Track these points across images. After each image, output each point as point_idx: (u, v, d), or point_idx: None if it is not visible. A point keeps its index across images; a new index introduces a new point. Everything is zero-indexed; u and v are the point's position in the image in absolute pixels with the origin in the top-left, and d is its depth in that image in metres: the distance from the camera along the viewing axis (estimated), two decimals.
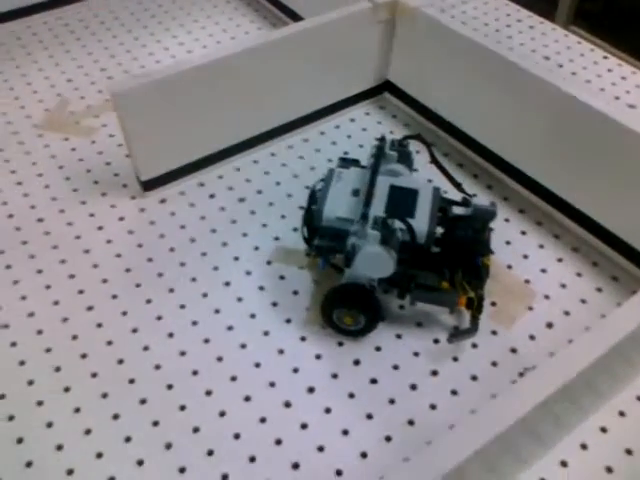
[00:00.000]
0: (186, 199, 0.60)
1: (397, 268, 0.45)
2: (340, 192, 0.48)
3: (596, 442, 0.44)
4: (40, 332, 0.50)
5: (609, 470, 0.42)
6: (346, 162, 0.52)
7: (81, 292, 0.52)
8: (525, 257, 0.55)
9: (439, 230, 0.48)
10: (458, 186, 0.52)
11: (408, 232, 0.44)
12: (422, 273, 0.47)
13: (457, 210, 0.49)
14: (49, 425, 0.44)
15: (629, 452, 0.43)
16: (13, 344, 0.49)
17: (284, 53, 0.60)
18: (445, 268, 0.47)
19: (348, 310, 0.47)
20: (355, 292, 0.47)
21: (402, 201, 0.47)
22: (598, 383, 0.44)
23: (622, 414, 0.45)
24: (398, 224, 0.45)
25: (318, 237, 0.47)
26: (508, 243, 0.56)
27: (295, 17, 0.80)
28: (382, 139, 0.51)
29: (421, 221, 0.46)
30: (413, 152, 0.53)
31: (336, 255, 0.49)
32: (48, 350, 0.48)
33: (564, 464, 0.43)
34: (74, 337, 0.49)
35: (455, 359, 0.48)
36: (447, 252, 0.48)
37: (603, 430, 0.44)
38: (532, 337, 0.49)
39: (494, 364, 0.48)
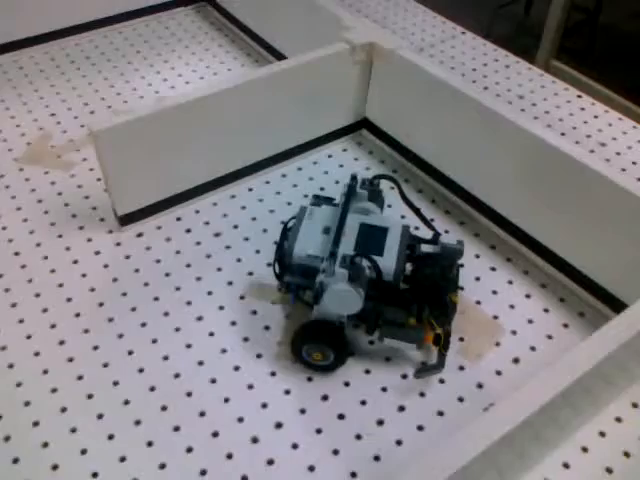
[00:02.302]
0: (163, 233, 0.61)
1: (366, 304, 0.46)
2: (311, 230, 0.49)
3: (559, 478, 0.44)
4: (11, 366, 0.50)
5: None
6: (319, 199, 0.53)
7: (53, 326, 0.53)
8: (494, 293, 0.56)
9: (408, 267, 0.49)
10: (428, 223, 0.54)
11: (374, 270, 0.45)
12: (390, 309, 0.48)
13: (425, 248, 0.50)
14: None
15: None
16: None
17: (264, 91, 0.61)
18: (413, 305, 0.48)
19: (317, 346, 0.48)
20: (324, 328, 0.48)
21: (371, 239, 0.48)
22: (561, 417, 0.45)
23: (585, 450, 0.46)
24: (366, 262, 0.46)
25: (288, 273, 0.48)
26: (477, 279, 0.57)
27: (276, 54, 0.82)
28: (354, 178, 0.52)
29: (389, 259, 0.47)
30: (385, 190, 0.54)
31: (306, 292, 0.49)
32: (18, 384, 0.49)
33: (602, 434, 0.44)
34: (45, 371, 0.50)
35: (422, 394, 0.49)
36: (415, 289, 0.48)
37: (566, 466, 0.45)
38: (498, 372, 0.50)
39: (460, 399, 0.48)
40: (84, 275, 0.57)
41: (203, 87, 0.59)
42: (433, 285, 0.48)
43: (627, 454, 0.45)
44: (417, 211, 0.54)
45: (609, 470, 0.45)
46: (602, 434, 0.46)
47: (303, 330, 0.48)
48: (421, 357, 0.51)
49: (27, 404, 0.47)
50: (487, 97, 0.58)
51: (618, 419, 0.47)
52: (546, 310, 0.55)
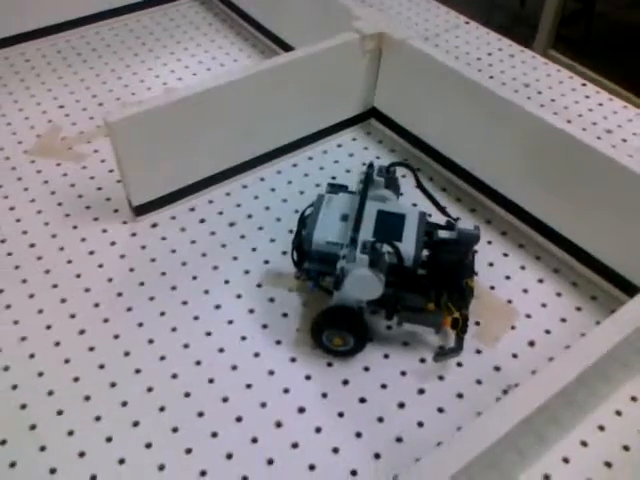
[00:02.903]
0: (177, 224, 0.61)
1: (385, 290, 0.46)
2: (329, 217, 0.50)
3: (578, 456, 0.45)
4: (32, 356, 0.50)
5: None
6: (335, 188, 0.53)
7: (73, 316, 0.53)
8: (507, 278, 0.57)
9: (425, 253, 0.49)
10: (442, 210, 0.54)
11: (395, 255, 0.46)
12: (409, 295, 0.48)
13: (442, 234, 0.50)
14: (42, 449, 0.45)
15: (607, 464, 0.45)
16: (6, 368, 0.49)
17: (275, 82, 0.62)
18: (431, 290, 0.49)
19: (338, 331, 0.48)
20: (344, 314, 0.48)
21: (390, 226, 0.49)
22: (578, 398, 0.46)
23: (602, 428, 0.47)
24: (386, 248, 0.46)
25: (308, 260, 0.49)
26: (491, 265, 0.58)
27: (283, 45, 0.82)
28: (370, 166, 0.53)
29: (408, 245, 0.48)
30: (399, 178, 0.55)
31: (325, 278, 0.50)
32: (40, 374, 0.49)
33: (547, 478, 0.44)
34: (66, 361, 0.50)
35: (441, 378, 0.49)
36: (433, 274, 0.49)
37: (584, 444, 0.46)
38: (515, 355, 0.51)
39: (479, 382, 0.49)
40: (101, 265, 0.57)
41: (214, 78, 0.59)
42: (451, 270, 0.49)
43: None
44: (432, 198, 0.54)
45: (626, 448, 0.45)
46: (618, 413, 0.47)
47: (323, 316, 0.49)
48: (438, 341, 0.52)
49: (50, 393, 0.48)
50: (497, 85, 0.59)
51: (634, 398, 0.48)
52: (559, 294, 0.56)
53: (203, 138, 0.60)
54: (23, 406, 0.47)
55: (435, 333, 0.49)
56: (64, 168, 0.67)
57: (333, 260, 0.47)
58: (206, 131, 0.60)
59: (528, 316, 0.54)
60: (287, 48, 0.81)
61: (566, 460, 0.45)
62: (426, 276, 0.49)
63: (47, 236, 0.60)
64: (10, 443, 0.45)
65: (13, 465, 0.44)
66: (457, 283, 0.49)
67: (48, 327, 0.52)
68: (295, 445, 0.45)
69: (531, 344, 0.52)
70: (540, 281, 0.57)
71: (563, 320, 0.54)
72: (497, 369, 0.50)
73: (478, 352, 0.51)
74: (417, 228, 0.49)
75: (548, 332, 0.53)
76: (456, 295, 0.49)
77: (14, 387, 0.48)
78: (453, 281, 0.49)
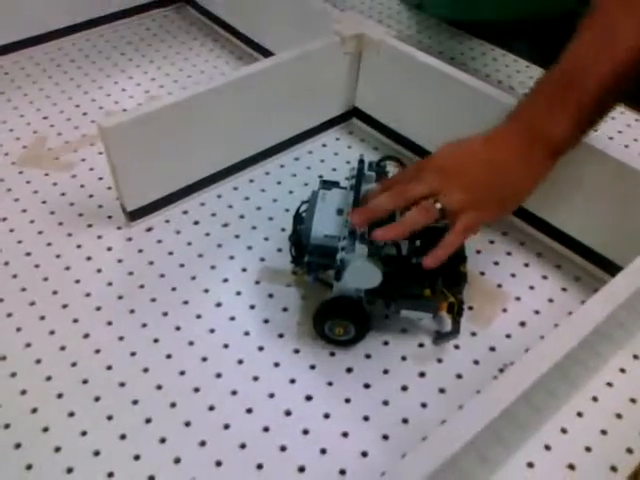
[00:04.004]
0: (172, 227, 0.62)
1: (383, 279, 0.48)
2: (325, 212, 0.52)
3: (575, 425, 0.48)
4: (39, 361, 0.51)
5: (588, 449, 0.46)
6: (327, 184, 0.55)
7: (76, 321, 0.54)
8: (496, 264, 0.59)
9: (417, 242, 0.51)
10: None
11: (393, 245, 0.48)
12: (405, 283, 0.50)
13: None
14: (57, 450, 0.45)
15: (619, 416, 0.48)
16: (13, 374, 0.50)
17: (260, 86, 0.63)
18: (426, 277, 0.51)
19: (339, 321, 0.50)
20: (345, 304, 0.50)
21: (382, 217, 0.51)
22: (571, 373, 0.48)
23: (595, 399, 0.49)
24: None
25: (308, 254, 0.51)
26: (479, 252, 0.60)
27: (261, 50, 0.84)
28: (361, 161, 0.55)
29: None
30: (389, 171, 0.57)
31: (323, 271, 0.52)
32: (49, 378, 0.50)
33: (547, 447, 0.46)
34: (73, 364, 0.51)
35: (440, 360, 0.52)
36: None
37: (579, 414, 0.48)
38: (508, 336, 0.53)
39: (476, 362, 0.51)
40: (99, 270, 0.58)
41: (200, 83, 0.61)
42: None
43: (633, 400, 0.49)
44: None
45: (619, 416, 0.48)
46: (609, 384, 0.50)
47: (324, 307, 0.50)
48: (435, 327, 0.54)
49: (60, 396, 0.48)
50: (477, 80, 0.62)
51: (622, 370, 0.51)
52: (544, 277, 0.59)
53: (193, 142, 0.62)
54: (34, 410, 0.47)
55: (432, 318, 0.51)
56: (53, 177, 0.67)
57: (332, 253, 0.49)
58: (196, 135, 0.62)
59: (517, 298, 0.56)
60: (265, 53, 0.82)
61: (564, 430, 0.47)
62: (420, 264, 0.51)
63: (42, 245, 0.60)
64: (24, 446, 0.45)
65: (29, 467, 0.44)
66: (451, 269, 0.51)
67: (52, 332, 0.53)
68: (306, 432, 0.47)
69: (522, 324, 0.54)
70: (526, 265, 0.59)
71: (550, 301, 0.56)
72: (492, 349, 0.52)
73: (473, 334, 0.53)
74: None
75: (537, 312, 0.55)
76: (450, 281, 0.51)
77: (23, 392, 0.49)
78: (447, 267, 0.51)
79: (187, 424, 0.47)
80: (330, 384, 0.50)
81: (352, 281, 0.48)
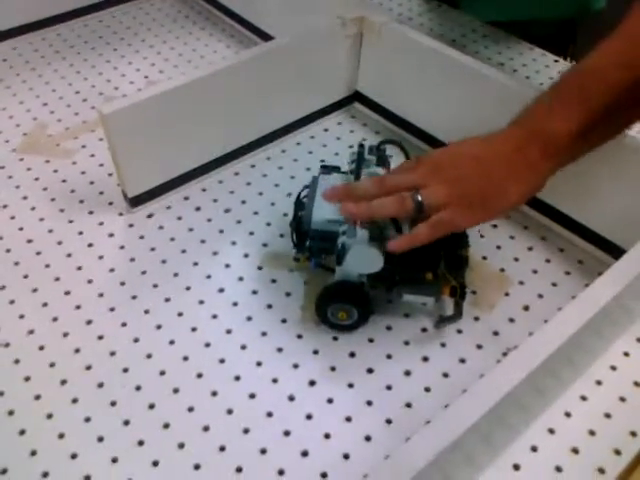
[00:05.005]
0: (173, 213, 0.62)
1: (384, 264, 0.48)
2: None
3: (579, 409, 0.48)
4: (42, 348, 0.51)
5: (592, 433, 0.46)
6: (328, 169, 0.55)
7: (78, 307, 0.54)
8: (498, 248, 0.59)
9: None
10: None
11: (394, 228, 0.48)
12: (408, 267, 0.50)
13: None
14: (61, 436, 0.45)
15: (607, 415, 0.47)
16: (16, 361, 0.50)
17: (261, 70, 0.63)
18: (427, 260, 0.50)
19: (342, 305, 0.50)
20: (347, 288, 0.50)
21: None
22: (575, 356, 0.48)
23: (599, 383, 0.49)
24: (383, 222, 0.48)
25: (309, 239, 0.50)
26: (482, 236, 0.60)
27: (261, 34, 0.83)
28: (361, 145, 0.54)
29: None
30: (389, 155, 0.56)
31: (325, 256, 0.51)
32: (52, 365, 0.50)
33: (551, 431, 0.46)
34: (77, 350, 0.51)
35: (443, 345, 0.52)
36: (428, 245, 0.51)
37: (583, 398, 0.48)
38: (511, 320, 0.53)
39: (479, 347, 0.51)
40: (101, 257, 0.58)
41: (200, 68, 0.60)
42: (446, 241, 0.50)
43: (637, 384, 0.49)
44: None
45: (622, 399, 0.48)
46: (613, 368, 0.50)
47: (327, 292, 0.50)
48: (437, 311, 0.54)
49: (63, 382, 0.49)
50: (480, 63, 0.61)
51: (626, 353, 0.51)
52: (548, 260, 0.58)
53: (194, 128, 0.61)
54: (38, 396, 0.48)
55: (435, 302, 0.51)
56: (54, 164, 0.67)
57: (333, 237, 0.49)
58: (197, 121, 0.61)
59: (521, 282, 0.56)
60: (265, 37, 0.82)
61: (568, 414, 0.47)
62: (422, 248, 0.51)
63: (44, 231, 0.60)
64: (29, 432, 0.45)
65: (34, 453, 0.44)
66: (453, 253, 0.51)
67: (55, 319, 0.53)
68: (309, 416, 0.47)
69: (526, 308, 0.54)
70: (530, 249, 0.59)
71: (554, 284, 0.56)
72: (495, 334, 0.52)
73: (476, 319, 0.53)
74: None
75: (541, 296, 0.55)
76: (452, 264, 0.51)
77: (27, 379, 0.49)
78: (449, 251, 0.51)
79: (190, 409, 0.47)
80: (333, 369, 0.50)
81: (353, 265, 0.48)
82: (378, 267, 0.48)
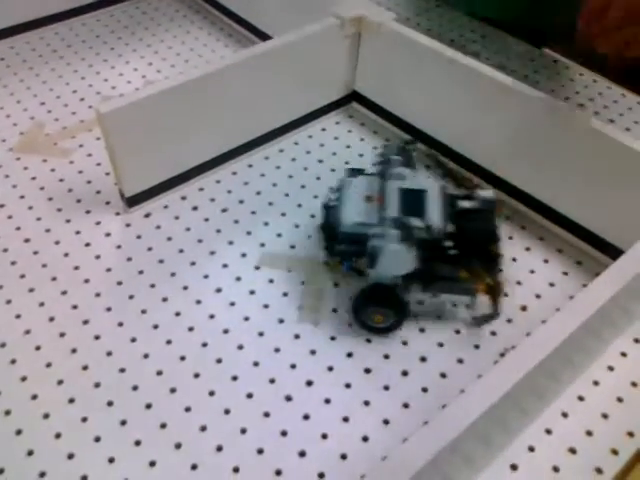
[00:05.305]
0: (170, 212, 0.62)
1: (418, 264, 0.48)
2: (354, 199, 0.51)
3: (576, 410, 0.48)
4: (38, 348, 0.51)
5: (589, 434, 0.46)
6: (354, 172, 0.55)
7: (75, 307, 0.53)
8: None
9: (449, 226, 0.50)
10: (459, 182, 0.56)
11: (426, 228, 0.47)
12: (442, 266, 0.50)
13: (464, 203, 0.51)
14: (57, 436, 0.45)
15: (605, 415, 0.47)
16: (13, 361, 0.50)
17: (259, 69, 0.63)
18: (461, 259, 0.50)
19: (379, 308, 0.50)
20: (384, 290, 0.50)
21: (413, 201, 0.50)
22: (573, 357, 0.48)
23: (596, 383, 0.49)
24: (414, 222, 0.48)
25: (339, 243, 0.50)
26: None
27: (259, 34, 0.83)
28: (386, 146, 0.55)
29: (434, 217, 0.49)
30: (414, 155, 0.56)
31: (356, 259, 0.51)
32: (48, 365, 0.49)
33: (548, 432, 0.46)
34: (73, 350, 0.50)
35: (441, 345, 0.51)
36: (462, 244, 0.50)
37: (580, 399, 0.48)
38: (509, 320, 0.53)
39: (476, 347, 0.51)
40: (98, 257, 0.57)
41: (198, 67, 0.60)
42: (478, 238, 0.50)
43: (634, 384, 0.49)
44: (448, 171, 0.56)
45: (620, 399, 0.48)
46: (611, 368, 0.50)
47: (364, 294, 0.50)
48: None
49: (60, 383, 0.48)
50: (479, 64, 0.61)
51: (624, 354, 0.51)
52: (546, 261, 0.58)
53: (192, 127, 0.61)
54: (34, 396, 0.47)
55: (470, 300, 0.50)
56: (51, 164, 0.67)
57: (363, 240, 0.48)
58: (194, 120, 0.61)
59: (518, 283, 0.56)
60: (263, 36, 0.82)
61: (565, 415, 0.47)
62: (454, 246, 0.50)
63: (41, 231, 0.60)
64: (25, 432, 0.45)
65: (31, 453, 0.44)
66: (486, 250, 0.50)
67: (51, 319, 0.52)
68: (306, 417, 0.47)
69: (523, 309, 0.54)
70: (527, 249, 0.59)
71: (552, 285, 0.56)
72: (493, 334, 0.52)
73: (473, 319, 0.53)
74: (439, 201, 0.50)
75: (538, 296, 0.55)
76: (486, 261, 0.50)
77: (23, 379, 0.48)
78: (483, 248, 0.50)
79: (187, 409, 0.47)
80: (330, 369, 0.50)
81: (386, 267, 0.48)
82: (410, 268, 0.48)
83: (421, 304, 0.53)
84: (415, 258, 0.47)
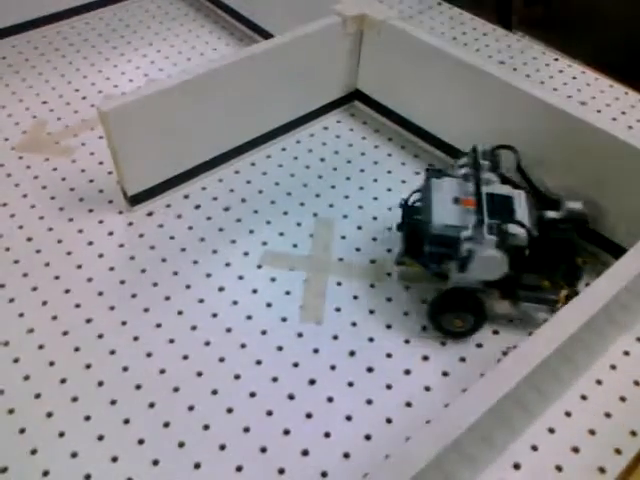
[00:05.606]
0: (173, 211, 0.62)
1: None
2: (442, 201, 0.50)
3: (579, 409, 0.48)
4: (41, 347, 0.51)
5: (592, 433, 0.46)
6: (438, 173, 0.54)
7: (78, 306, 0.54)
8: None
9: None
10: (542, 193, 0.55)
11: (527, 235, 0.47)
12: (526, 274, 0.49)
13: (550, 213, 0.51)
14: (61, 435, 0.45)
15: (607, 415, 0.47)
16: (16, 360, 0.50)
17: (260, 68, 0.63)
18: (545, 268, 0.50)
19: (459, 313, 0.50)
20: (467, 296, 0.50)
21: (501, 207, 0.49)
22: (576, 355, 0.48)
23: (599, 382, 0.49)
24: (512, 229, 0.47)
25: (429, 245, 0.49)
26: None
27: (260, 32, 0.83)
28: (474, 149, 0.54)
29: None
30: (501, 161, 0.55)
31: (441, 262, 0.50)
32: (51, 364, 0.50)
33: (551, 431, 0.46)
34: (76, 349, 0.51)
35: (443, 343, 0.52)
36: (546, 253, 0.50)
37: (583, 398, 0.48)
38: (511, 320, 0.53)
39: (479, 345, 0.51)
40: (101, 255, 0.58)
41: (201, 65, 0.60)
42: (564, 249, 0.50)
43: (637, 383, 0.49)
44: (529, 181, 0.55)
45: (622, 398, 0.48)
46: (613, 367, 0.50)
47: (443, 299, 0.50)
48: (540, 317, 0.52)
49: (63, 381, 0.48)
50: (480, 60, 0.61)
51: (626, 353, 0.51)
52: None
53: (194, 126, 0.61)
54: (37, 395, 0.47)
55: (551, 310, 0.50)
56: (53, 162, 0.67)
57: (452, 243, 0.48)
58: (197, 119, 0.61)
59: None
60: (265, 35, 0.81)
61: (568, 414, 0.47)
62: (539, 255, 0.49)
63: (44, 230, 0.60)
64: (29, 431, 0.45)
65: (34, 452, 0.44)
66: (571, 260, 0.50)
67: (54, 318, 0.52)
68: (309, 415, 0.47)
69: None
70: None
71: None
72: (495, 332, 0.52)
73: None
74: (528, 208, 0.50)
75: None
76: (569, 272, 0.50)
77: (26, 378, 0.49)
78: (567, 258, 0.50)
79: (190, 408, 0.47)
80: (333, 368, 0.50)
81: (478, 272, 0.47)
82: (501, 274, 0.47)
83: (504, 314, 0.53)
84: (507, 265, 0.47)
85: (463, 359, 0.51)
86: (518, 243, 0.48)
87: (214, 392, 0.48)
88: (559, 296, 0.49)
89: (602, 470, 0.44)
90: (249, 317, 0.53)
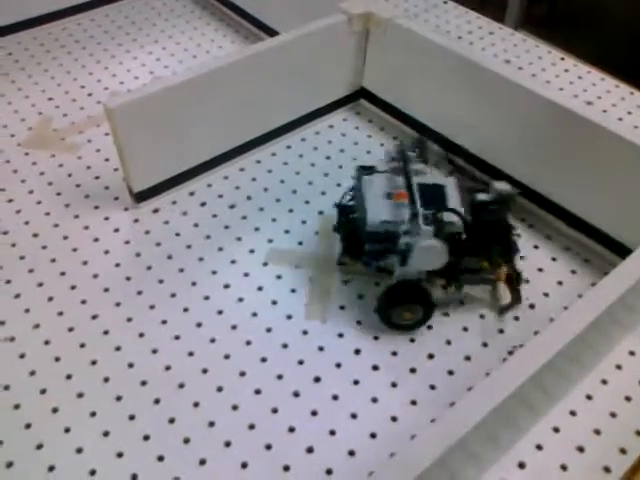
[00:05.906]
0: (178, 208, 0.62)
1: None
2: (375, 198, 0.51)
3: (584, 409, 0.48)
4: (47, 342, 0.51)
5: (597, 432, 0.46)
6: (368, 170, 0.54)
7: (84, 302, 0.54)
8: None
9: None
10: (473, 177, 0.57)
11: (461, 221, 0.48)
12: (464, 259, 0.50)
13: (480, 196, 0.52)
14: (67, 430, 0.45)
15: (613, 415, 0.47)
16: (22, 355, 0.50)
17: (266, 66, 0.63)
18: (481, 250, 0.50)
19: (409, 306, 0.50)
20: (411, 287, 0.50)
21: (434, 196, 0.50)
22: (581, 355, 0.48)
23: (604, 382, 0.49)
24: (448, 217, 0.48)
25: (367, 243, 0.50)
26: None
27: (266, 30, 0.83)
28: (402, 143, 0.55)
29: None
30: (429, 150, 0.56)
31: (381, 258, 0.50)
32: (57, 359, 0.50)
33: (556, 430, 0.46)
34: (82, 345, 0.51)
35: (448, 342, 0.52)
36: (482, 235, 0.50)
37: (589, 397, 0.48)
38: (517, 318, 0.53)
39: (484, 345, 0.51)
40: (107, 252, 0.58)
41: (207, 63, 0.60)
42: (498, 229, 0.51)
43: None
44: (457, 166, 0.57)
45: (628, 398, 0.48)
46: (619, 367, 0.50)
47: (390, 294, 0.50)
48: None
49: (69, 377, 0.49)
50: (486, 59, 0.61)
51: (632, 352, 0.51)
52: (554, 259, 0.58)
53: (199, 123, 0.61)
54: (43, 391, 0.48)
55: (492, 289, 0.52)
56: (59, 159, 0.67)
57: (391, 238, 0.48)
58: (202, 116, 0.61)
59: (526, 281, 0.56)
60: (271, 32, 0.81)
61: (573, 413, 0.47)
62: (475, 238, 0.50)
63: (49, 226, 0.60)
64: (34, 426, 0.46)
65: (40, 447, 0.44)
66: (506, 239, 0.51)
67: (60, 313, 0.53)
68: (314, 413, 0.47)
69: (531, 307, 0.54)
70: (535, 247, 0.59)
71: (560, 283, 0.56)
72: (501, 332, 0.52)
73: (481, 317, 0.53)
74: (459, 194, 0.50)
75: (546, 295, 0.55)
76: (504, 251, 0.51)
77: (32, 373, 0.49)
78: (501, 238, 0.51)
79: (195, 405, 0.47)
80: (338, 365, 0.50)
81: (418, 263, 0.48)
82: (442, 263, 0.48)
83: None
84: (447, 254, 0.47)
85: (468, 358, 0.51)
86: (454, 230, 0.48)
87: (219, 389, 0.48)
88: (499, 274, 0.51)
89: (607, 470, 0.44)
90: (254, 314, 0.53)
